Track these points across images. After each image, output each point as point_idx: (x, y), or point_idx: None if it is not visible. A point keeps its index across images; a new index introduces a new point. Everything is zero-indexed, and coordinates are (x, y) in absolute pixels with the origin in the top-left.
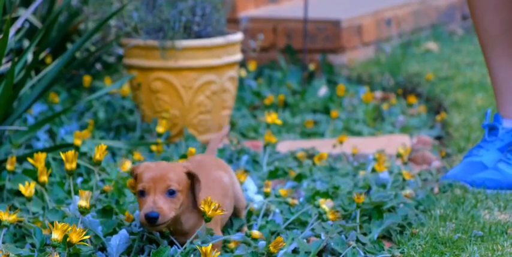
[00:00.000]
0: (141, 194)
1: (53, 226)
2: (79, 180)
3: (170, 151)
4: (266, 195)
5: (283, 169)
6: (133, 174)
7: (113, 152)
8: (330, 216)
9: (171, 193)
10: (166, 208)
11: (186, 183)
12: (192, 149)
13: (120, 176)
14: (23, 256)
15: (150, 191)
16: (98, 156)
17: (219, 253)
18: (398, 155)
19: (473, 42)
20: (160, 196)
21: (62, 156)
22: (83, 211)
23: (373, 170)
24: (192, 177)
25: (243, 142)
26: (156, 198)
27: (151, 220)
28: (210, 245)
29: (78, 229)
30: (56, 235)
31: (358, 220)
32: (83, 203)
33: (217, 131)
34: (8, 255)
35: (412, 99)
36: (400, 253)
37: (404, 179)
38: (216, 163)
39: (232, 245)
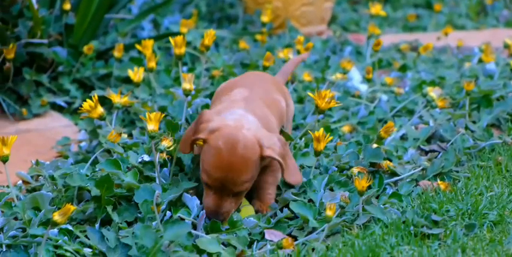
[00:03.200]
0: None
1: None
2: (184, 68)
3: (273, 42)
4: (368, 81)
5: (387, 60)
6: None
7: (216, 43)
8: (439, 103)
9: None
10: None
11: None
12: (301, 37)
13: (226, 64)
14: (135, 135)
15: (217, 191)
16: (206, 41)
17: (332, 137)
18: (506, 46)
19: None
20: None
21: (171, 41)
22: (187, 94)
23: (479, 62)
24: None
25: (345, 35)
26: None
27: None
28: (322, 129)
29: None
30: (152, 126)
31: (467, 108)
32: (187, 85)
33: (319, 23)
34: (121, 133)
35: None
36: None
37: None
38: (275, 85)
39: (345, 129)
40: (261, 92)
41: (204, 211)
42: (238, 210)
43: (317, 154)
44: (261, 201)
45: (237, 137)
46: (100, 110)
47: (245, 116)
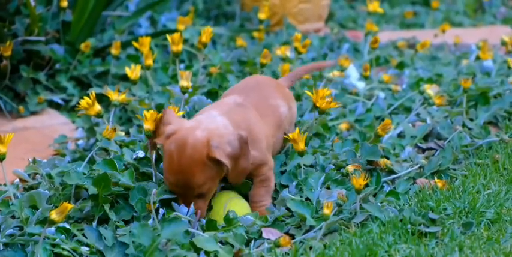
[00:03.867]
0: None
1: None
2: (182, 66)
3: (270, 39)
4: (366, 78)
5: (385, 57)
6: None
7: (213, 41)
8: (436, 101)
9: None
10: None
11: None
12: (298, 35)
13: (223, 62)
14: (132, 133)
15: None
16: (204, 38)
17: (306, 133)
18: (503, 43)
19: None
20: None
21: (168, 38)
22: (185, 91)
23: (477, 59)
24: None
25: (343, 32)
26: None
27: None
28: (297, 130)
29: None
30: (148, 126)
31: (464, 105)
32: (184, 83)
33: (316, 21)
34: (115, 129)
35: None
36: (509, 137)
37: (509, 67)
38: (276, 90)
39: (342, 127)
40: (256, 98)
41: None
42: (210, 208)
43: (301, 153)
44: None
45: (187, 139)
46: (97, 107)
47: (213, 118)
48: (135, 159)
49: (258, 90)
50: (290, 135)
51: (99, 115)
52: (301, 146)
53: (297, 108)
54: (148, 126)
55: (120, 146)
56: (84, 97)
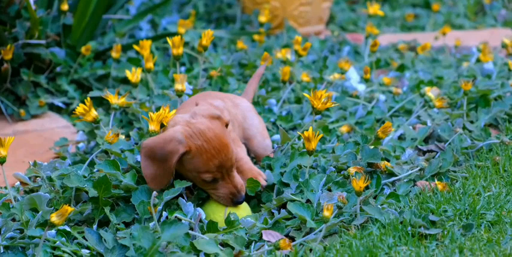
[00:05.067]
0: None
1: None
2: (182, 69)
3: (271, 42)
4: (366, 81)
5: (385, 59)
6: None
7: (214, 43)
8: (437, 103)
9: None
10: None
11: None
12: (299, 37)
13: (224, 65)
14: (132, 136)
15: (224, 177)
16: (204, 41)
17: (321, 135)
18: (503, 46)
19: None
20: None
21: (169, 41)
22: (180, 94)
23: (477, 61)
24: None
25: (343, 34)
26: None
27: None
28: (311, 128)
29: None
30: (153, 126)
31: (465, 108)
32: (179, 86)
33: (317, 23)
34: (118, 134)
35: None
36: (509, 139)
37: (510, 70)
38: (212, 96)
39: (343, 129)
40: (189, 107)
41: (201, 211)
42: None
43: (310, 153)
44: (250, 174)
45: (200, 128)
46: (94, 113)
47: (175, 118)
48: (136, 162)
49: (191, 104)
50: (305, 133)
51: (96, 121)
52: (313, 145)
53: (248, 104)
54: (153, 127)
55: (122, 151)
56: (80, 104)
